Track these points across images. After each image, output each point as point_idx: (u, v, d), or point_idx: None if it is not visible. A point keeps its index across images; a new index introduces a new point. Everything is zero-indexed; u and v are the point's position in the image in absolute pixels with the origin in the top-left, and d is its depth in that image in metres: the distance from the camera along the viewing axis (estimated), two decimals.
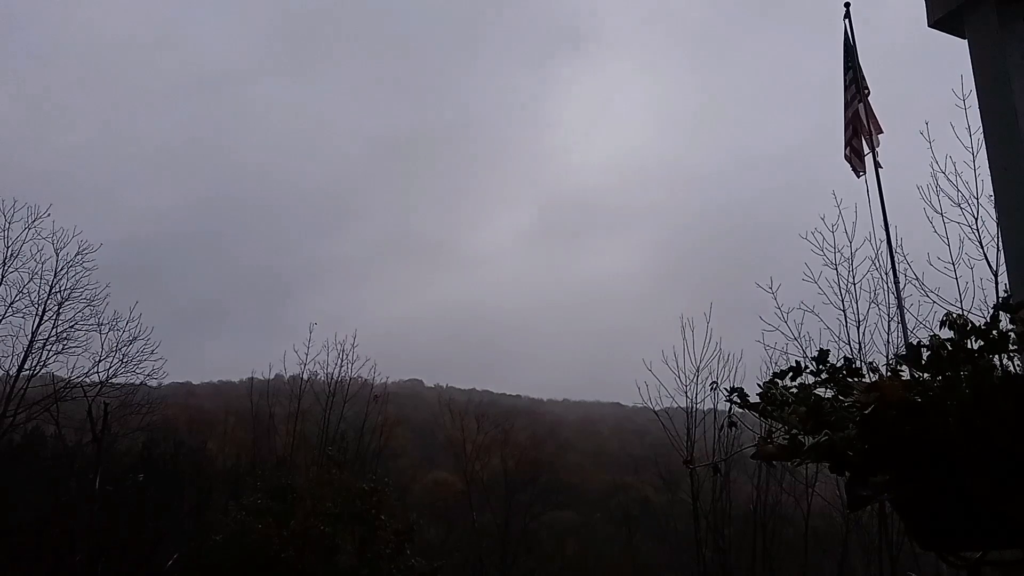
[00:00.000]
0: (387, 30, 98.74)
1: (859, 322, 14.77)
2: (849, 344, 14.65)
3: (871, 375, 1.90)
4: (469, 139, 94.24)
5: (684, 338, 17.98)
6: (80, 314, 18.75)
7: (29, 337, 18.35)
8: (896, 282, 10.84)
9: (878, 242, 13.80)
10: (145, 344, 19.16)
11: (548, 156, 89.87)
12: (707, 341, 17.86)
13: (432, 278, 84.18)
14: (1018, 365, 1.72)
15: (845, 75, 9.02)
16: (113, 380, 18.96)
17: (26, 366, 18.37)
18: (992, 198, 7.38)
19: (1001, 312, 1.75)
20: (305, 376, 23.90)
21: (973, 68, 2.74)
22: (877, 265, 14.41)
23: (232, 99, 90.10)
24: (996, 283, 11.61)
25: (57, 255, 18.58)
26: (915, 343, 1.77)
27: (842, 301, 14.83)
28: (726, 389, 2.15)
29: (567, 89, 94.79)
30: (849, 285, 14.82)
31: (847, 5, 8.99)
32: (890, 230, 9.22)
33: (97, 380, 18.76)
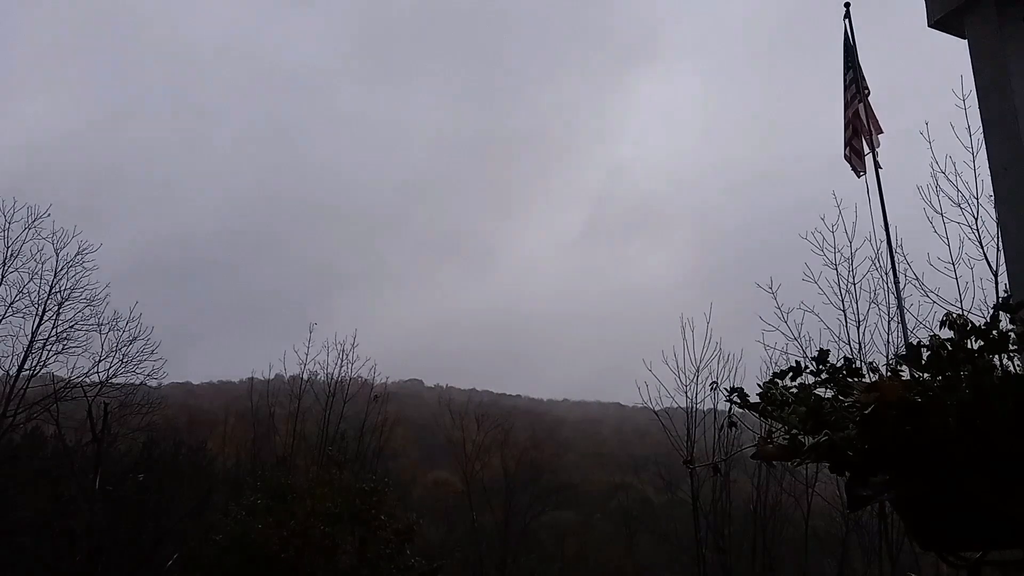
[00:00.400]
0: (464, 38, 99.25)
1: (859, 322, 14.77)
2: (849, 344, 14.65)
3: (871, 375, 1.90)
4: (534, 146, 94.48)
5: (684, 338, 18.01)
6: (80, 314, 18.75)
7: (29, 337, 18.36)
8: (896, 282, 10.83)
9: (878, 242, 13.81)
10: (145, 344, 19.20)
11: (606, 164, 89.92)
12: (707, 341, 17.88)
13: (470, 282, 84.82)
14: (1018, 365, 1.72)
15: (845, 75, 9.03)
16: (113, 380, 18.97)
17: (26, 366, 18.37)
18: (992, 198, 7.39)
19: (1001, 312, 1.75)
20: (305, 376, 23.93)
21: (973, 68, 2.74)
22: (877, 265, 14.42)
23: (308, 100, 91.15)
24: (996, 283, 11.61)
25: (57, 255, 18.58)
26: (915, 343, 1.77)
27: (842, 301, 14.84)
28: (726, 389, 2.15)
29: (632, 100, 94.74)
30: (849, 285, 14.82)
31: (847, 5, 9.00)
32: (890, 230, 9.25)
33: (97, 380, 18.76)
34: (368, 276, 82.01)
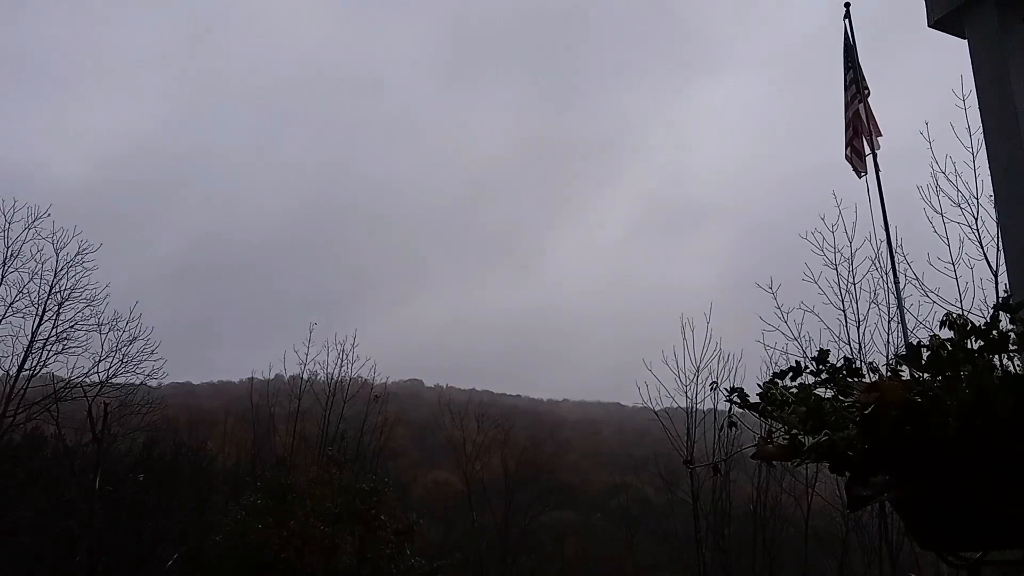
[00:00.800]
0: (530, 47, 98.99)
1: (859, 322, 14.78)
2: (849, 344, 14.66)
3: (871, 375, 1.90)
4: (591, 151, 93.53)
5: (684, 338, 18.02)
6: (80, 314, 18.76)
7: (29, 337, 18.36)
8: (896, 282, 10.85)
9: (878, 242, 13.83)
10: (145, 344, 19.21)
11: (660, 170, 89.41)
12: (707, 341, 17.89)
13: (503, 285, 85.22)
14: (1018, 365, 1.72)
15: (845, 75, 9.03)
16: (113, 380, 18.99)
17: (26, 366, 18.37)
18: (992, 198, 7.39)
19: (1001, 312, 1.75)
20: (305, 376, 23.93)
21: (973, 68, 2.74)
22: (877, 265, 14.44)
23: (378, 107, 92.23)
24: (996, 283, 11.61)
25: (57, 255, 18.58)
26: (915, 343, 1.77)
27: (842, 301, 14.85)
28: (726, 389, 2.14)
29: (693, 108, 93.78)
30: (849, 285, 14.84)
31: (847, 5, 9.01)
32: (890, 230, 9.27)
33: (97, 380, 18.78)
34: (404, 281, 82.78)
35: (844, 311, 14.79)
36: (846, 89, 8.97)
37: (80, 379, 18.66)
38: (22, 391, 18.59)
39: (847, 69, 8.97)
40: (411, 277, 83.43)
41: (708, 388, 17.90)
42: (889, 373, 1.86)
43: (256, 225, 79.79)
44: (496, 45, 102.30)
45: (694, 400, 17.93)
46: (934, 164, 12.28)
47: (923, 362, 1.75)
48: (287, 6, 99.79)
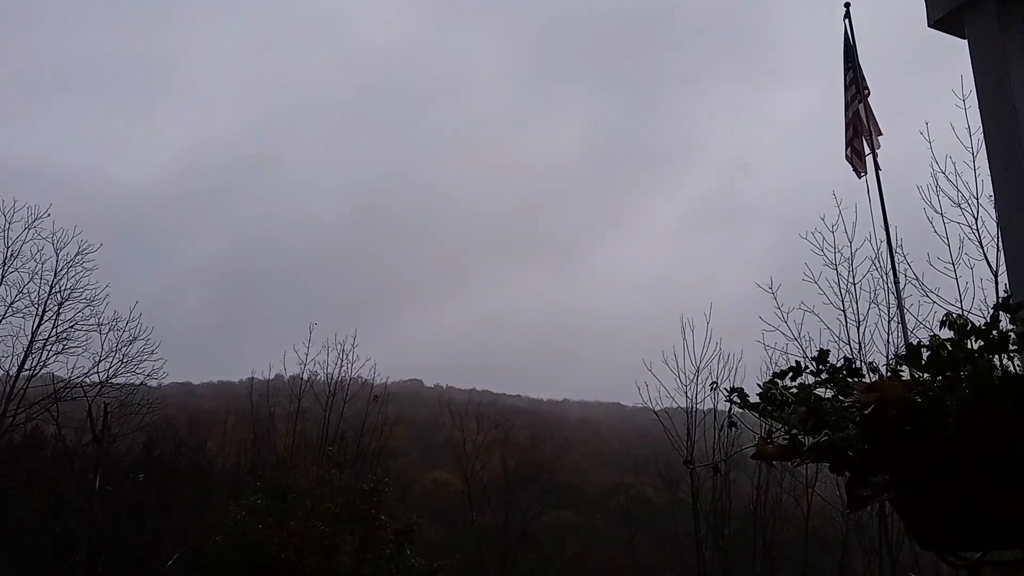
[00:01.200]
0: (614, 51, 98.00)
1: (859, 322, 14.78)
2: (849, 344, 14.66)
3: (871, 375, 1.90)
4: (649, 156, 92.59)
5: (684, 338, 18.03)
6: (80, 314, 18.73)
7: (29, 337, 18.34)
8: (896, 282, 10.84)
9: (878, 242, 13.82)
10: (145, 344, 19.20)
11: (710, 176, 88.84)
12: (707, 341, 17.89)
13: (533, 287, 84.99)
14: (1018, 365, 1.72)
15: (845, 75, 9.03)
16: (113, 380, 18.97)
17: (26, 366, 18.35)
18: (992, 198, 7.39)
19: (1001, 312, 1.75)
20: (305, 376, 23.94)
21: (973, 68, 2.75)
22: (877, 265, 14.43)
23: (444, 114, 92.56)
24: (996, 283, 11.60)
25: (57, 255, 18.55)
26: (915, 343, 1.77)
27: (842, 301, 14.85)
28: (726, 389, 2.15)
29: (754, 112, 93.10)
30: (849, 285, 14.83)
31: (847, 5, 9.01)
32: (890, 230, 9.27)
33: (97, 380, 18.77)
34: (438, 287, 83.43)
35: (844, 311, 14.79)
36: (846, 89, 8.97)
37: (80, 379, 18.66)
38: (22, 391, 18.59)
39: (847, 69, 8.97)
40: (448, 283, 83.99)
41: (708, 388, 17.94)
42: (889, 373, 1.86)
43: (309, 230, 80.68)
44: (581, 50, 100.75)
45: (694, 400, 17.97)
46: (934, 164, 12.29)
47: (923, 362, 1.75)
48: (379, 16, 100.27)
